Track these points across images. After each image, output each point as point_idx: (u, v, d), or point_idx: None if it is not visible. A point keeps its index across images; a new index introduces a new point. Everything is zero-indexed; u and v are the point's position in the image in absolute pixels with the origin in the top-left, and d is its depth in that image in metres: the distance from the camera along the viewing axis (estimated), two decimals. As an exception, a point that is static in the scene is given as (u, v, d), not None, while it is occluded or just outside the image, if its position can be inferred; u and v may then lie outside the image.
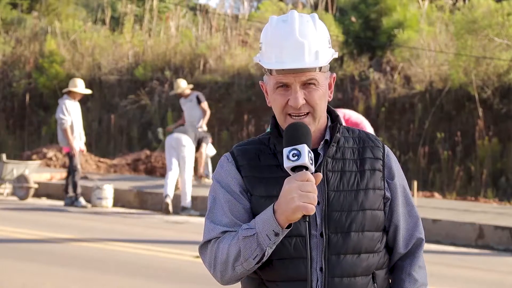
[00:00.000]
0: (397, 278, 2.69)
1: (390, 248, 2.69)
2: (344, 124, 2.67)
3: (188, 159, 12.59)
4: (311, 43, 2.52)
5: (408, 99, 16.31)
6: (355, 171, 2.60)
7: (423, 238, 2.74)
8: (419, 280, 2.68)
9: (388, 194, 2.64)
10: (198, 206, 12.72)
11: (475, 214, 11.73)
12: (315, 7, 21.47)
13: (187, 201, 12.56)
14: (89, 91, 13.92)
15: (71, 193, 13.32)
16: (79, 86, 13.29)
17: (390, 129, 16.03)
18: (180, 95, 14.24)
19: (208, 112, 14.11)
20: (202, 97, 14.19)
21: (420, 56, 16.77)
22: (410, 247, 2.70)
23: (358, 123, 10.41)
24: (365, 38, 17.53)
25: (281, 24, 2.55)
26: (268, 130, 2.69)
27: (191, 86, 14.52)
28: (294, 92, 2.52)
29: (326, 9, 20.66)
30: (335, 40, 18.30)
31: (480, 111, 15.07)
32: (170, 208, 12.39)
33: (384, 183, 2.63)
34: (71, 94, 13.20)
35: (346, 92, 17.07)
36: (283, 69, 2.51)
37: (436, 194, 14.08)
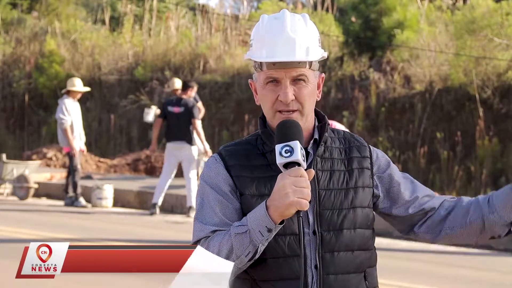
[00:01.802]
0: (459, 209, 2.75)
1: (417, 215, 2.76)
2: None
3: (191, 160, 12.46)
4: (301, 39, 2.54)
5: (408, 99, 16.31)
6: (344, 170, 2.63)
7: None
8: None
9: (376, 192, 2.68)
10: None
11: (475, 214, 11.70)
12: (315, 7, 21.46)
13: (192, 199, 12.45)
14: (87, 89, 13.92)
15: (71, 193, 13.32)
16: (77, 85, 13.29)
17: (390, 129, 16.04)
18: (174, 94, 14.18)
19: (202, 111, 14.02)
20: (197, 98, 14.14)
21: (420, 56, 16.78)
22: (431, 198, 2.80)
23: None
24: (365, 38, 17.54)
25: (272, 21, 2.58)
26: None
27: None
28: (284, 87, 2.53)
29: (326, 9, 20.66)
30: (335, 40, 18.31)
31: (480, 111, 15.08)
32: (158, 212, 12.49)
33: (372, 181, 2.67)
34: (70, 93, 13.20)
35: (346, 92, 17.07)
36: (273, 64, 2.52)
37: (436, 194, 14.07)
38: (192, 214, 12.34)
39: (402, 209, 2.72)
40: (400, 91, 16.51)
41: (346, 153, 2.66)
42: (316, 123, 2.67)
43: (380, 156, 2.73)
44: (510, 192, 2.60)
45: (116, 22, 23.19)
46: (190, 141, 12.37)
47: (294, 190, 2.36)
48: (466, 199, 2.75)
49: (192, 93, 12.78)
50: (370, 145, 2.74)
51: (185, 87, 12.78)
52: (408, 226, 2.76)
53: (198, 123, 12.42)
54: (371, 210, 2.65)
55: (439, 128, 15.51)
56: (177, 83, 14.00)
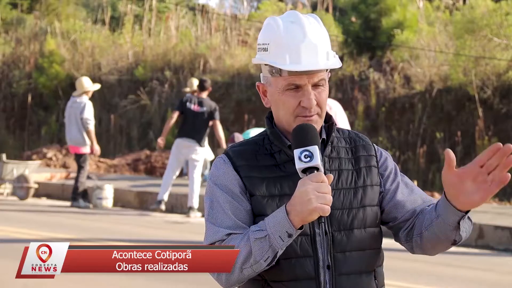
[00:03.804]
0: (425, 214, 2.61)
1: (400, 224, 2.66)
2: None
3: (198, 160, 12.44)
4: (321, 44, 2.56)
5: (408, 99, 16.31)
6: (351, 169, 2.62)
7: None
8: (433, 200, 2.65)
9: (381, 189, 2.66)
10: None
11: (475, 214, 11.68)
12: (314, 7, 21.48)
13: (193, 200, 12.45)
14: (97, 86, 13.81)
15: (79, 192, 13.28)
16: (93, 84, 13.37)
17: (390, 129, 16.04)
18: (193, 95, 14.22)
19: None
20: None
21: (420, 56, 16.78)
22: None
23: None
24: (365, 38, 17.54)
25: (290, 25, 2.56)
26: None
27: None
28: (308, 93, 2.53)
29: (326, 9, 20.67)
30: (335, 40, 18.31)
31: (480, 111, 15.08)
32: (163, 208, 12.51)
33: (379, 179, 2.66)
34: (87, 93, 13.18)
35: (346, 92, 17.07)
36: (297, 71, 2.51)
37: (436, 194, 14.08)
38: (192, 214, 12.33)
39: (392, 216, 2.67)
40: (400, 91, 16.52)
41: (353, 152, 2.66)
42: (323, 123, 2.66)
43: (387, 157, 2.71)
44: (444, 197, 2.53)
45: (116, 22, 23.19)
46: (200, 141, 12.36)
47: (317, 196, 2.36)
48: (429, 207, 2.63)
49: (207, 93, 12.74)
50: (374, 144, 2.73)
51: (204, 87, 12.65)
52: (395, 231, 2.71)
53: (219, 124, 12.54)
54: (379, 208, 2.64)
55: (439, 128, 15.52)
56: (196, 84, 14.09)
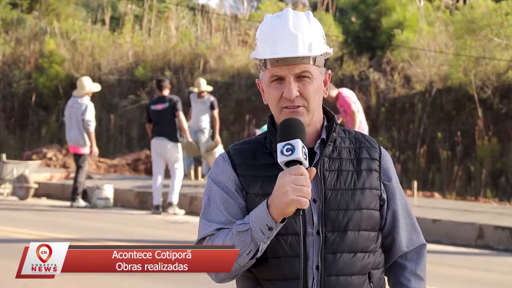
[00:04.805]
0: (401, 276, 2.71)
1: (387, 248, 2.71)
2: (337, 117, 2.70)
3: (176, 157, 12.45)
4: (304, 35, 2.55)
5: (408, 99, 16.32)
6: (352, 170, 2.62)
7: (425, 242, 2.79)
8: (424, 279, 2.73)
9: (384, 196, 2.66)
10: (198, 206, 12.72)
11: (475, 214, 11.73)
12: (315, 7, 21.48)
13: (173, 196, 12.48)
14: (98, 87, 13.76)
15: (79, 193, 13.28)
16: (94, 84, 13.35)
17: (390, 129, 16.04)
18: (201, 96, 14.26)
19: (218, 120, 14.23)
20: (216, 104, 14.24)
21: (420, 56, 16.79)
22: (411, 248, 2.72)
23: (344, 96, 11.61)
24: (365, 38, 17.54)
25: (275, 19, 2.59)
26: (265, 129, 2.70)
27: (210, 88, 14.52)
28: (288, 83, 2.53)
29: (327, 9, 20.67)
30: (335, 40, 18.32)
31: (480, 111, 15.08)
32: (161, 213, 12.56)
33: (380, 183, 2.65)
34: (89, 94, 13.17)
35: (346, 92, 17.08)
36: (277, 61, 2.52)
37: (436, 194, 14.08)
38: (171, 210, 12.44)
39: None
40: (400, 91, 16.52)
41: (356, 153, 2.65)
42: (325, 123, 2.66)
43: (389, 163, 2.71)
44: None
45: (116, 22, 23.20)
46: (172, 138, 12.35)
47: (294, 188, 2.36)
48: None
49: (167, 90, 12.75)
50: (382, 148, 2.71)
51: (161, 87, 12.63)
52: None
53: (182, 115, 12.45)
54: (377, 212, 2.63)
55: (439, 128, 15.52)
56: (203, 84, 14.12)
